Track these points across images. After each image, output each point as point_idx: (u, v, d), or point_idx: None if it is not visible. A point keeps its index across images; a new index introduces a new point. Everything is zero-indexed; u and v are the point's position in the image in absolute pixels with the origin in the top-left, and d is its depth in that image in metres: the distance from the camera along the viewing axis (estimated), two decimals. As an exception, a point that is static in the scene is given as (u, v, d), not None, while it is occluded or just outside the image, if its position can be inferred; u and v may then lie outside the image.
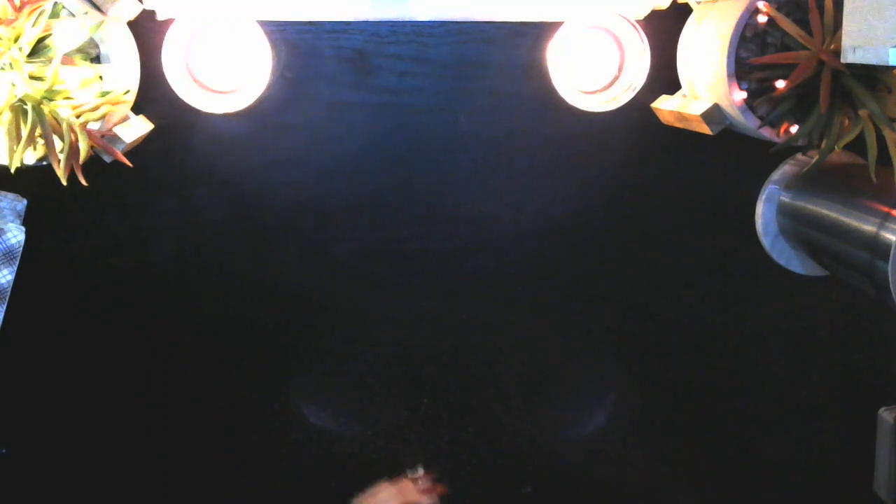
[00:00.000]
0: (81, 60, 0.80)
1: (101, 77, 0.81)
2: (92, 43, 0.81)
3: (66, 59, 0.78)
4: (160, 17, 0.87)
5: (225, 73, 0.91)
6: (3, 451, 1.00)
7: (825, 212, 0.91)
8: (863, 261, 0.84)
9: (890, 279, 0.78)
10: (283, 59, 0.96)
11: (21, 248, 0.90)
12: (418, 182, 1.01)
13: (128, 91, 0.84)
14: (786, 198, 0.99)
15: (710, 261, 1.05)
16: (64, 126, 0.77)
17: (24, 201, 0.93)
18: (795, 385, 1.09)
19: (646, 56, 0.91)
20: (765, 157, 0.92)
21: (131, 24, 0.87)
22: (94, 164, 0.82)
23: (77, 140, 0.78)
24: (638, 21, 0.91)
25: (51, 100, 0.77)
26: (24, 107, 0.76)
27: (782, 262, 1.02)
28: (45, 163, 0.79)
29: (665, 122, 0.99)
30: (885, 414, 1.05)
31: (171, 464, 1.04)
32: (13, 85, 0.75)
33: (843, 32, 0.72)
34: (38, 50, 0.77)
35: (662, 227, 1.04)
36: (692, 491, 1.09)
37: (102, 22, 0.79)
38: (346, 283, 1.03)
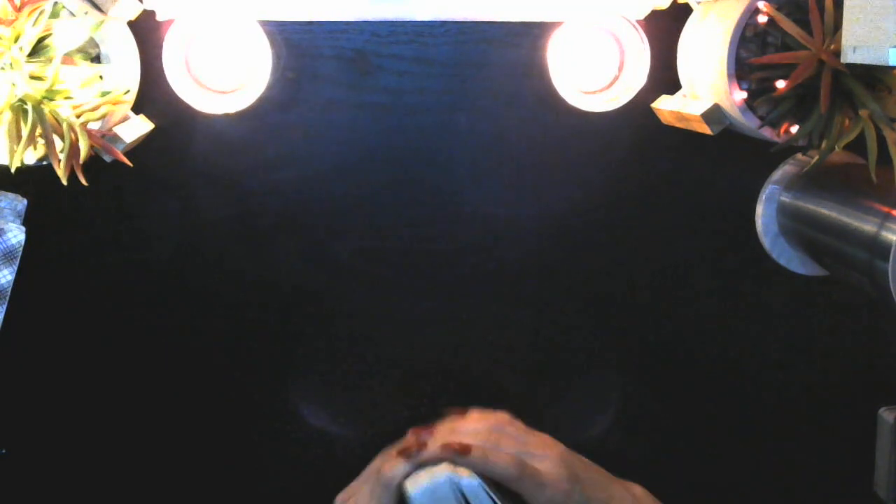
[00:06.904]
0: (81, 60, 0.80)
1: (101, 77, 0.81)
2: (92, 43, 0.81)
3: (67, 59, 0.78)
4: (160, 17, 0.87)
5: (225, 73, 0.91)
6: (3, 451, 1.00)
7: (825, 212, 0.91)
8: (863, 261, 0.84)
9: (890, 279, 0.78)
10: (283, 59, 0.96)
11: (21, 248, 0.90)
12: (418, 182, 1.01)
13: (128, 91, 0.84)
14: (786, 198, 0.99)
15: (710, 261, 1.05)
16: (64, 126, 0.77)
17: (24, 201, 0.93)
18: (795, 385, 1.09)
19: (646, 56, 0.91)
20: (765, 157, 0.92)
21: (131, 24, 0.87)
22: (94, 163, 0.82)
23: (77, 140, 0.78)
24: (638, 21, 0.91)
25: (51, 99, 0.76)
26: (25, 107, 0.76)
27: (782, 262, 1.02)
28: (45, 163, 0.79)
29: (665, 122, 0.99)
30: (885, 414, 1.05)
31: (170, 463, 1.04)
32: (13, 85, 0.75)
33: (843, 32, 0.72)
34: (38, 50, 0.77)
35: (662, 226, 1.04)
36: (691, 490, 1.09)
37: (102, 22, 0.79)
38: (346, 283, 1.03)
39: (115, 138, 0.84)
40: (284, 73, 0.97)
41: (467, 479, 0.69)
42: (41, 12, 0.75)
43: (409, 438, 0.72)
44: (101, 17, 0.82)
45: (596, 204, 1.03)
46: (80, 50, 0.80)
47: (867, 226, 0.83)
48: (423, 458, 0.71)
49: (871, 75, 0.81)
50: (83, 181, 0.79)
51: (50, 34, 0.76)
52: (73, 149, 0.78)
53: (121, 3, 0.84)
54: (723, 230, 1.04)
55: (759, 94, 0.84)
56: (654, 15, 0.93)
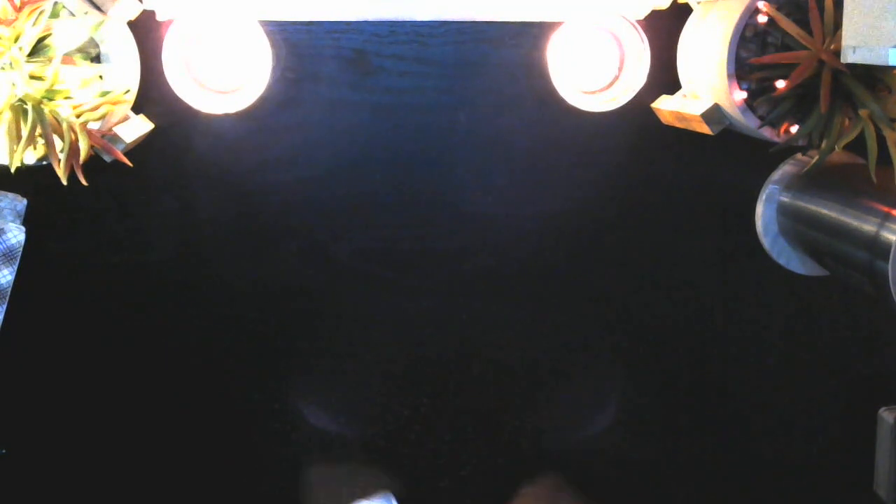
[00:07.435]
0: (81, 60, 0.80)
1: (101, 77, 0.81)
2: (92, 43, 0.81)
3: (67, 59, 0.78)
4: (160, 17, 0.87)
5: (225, 73, 0.91)
6: (3, 451, 1.00)
7: (825, 212, 0.91)
8: (863, 261, 0.84)
9: (890, 279, 0.78)
10: (283, 59, 0.96)
11: (21, 248, 0.90)
12: (418, 182, 1.01)
13: (128, 91, 0.84)
14: (786, 198, 0.99)
15: (711, 261, 1.05)
16: (64, 126, 0.77)
17: (24, 201, 0.93)
18: (795, 385, 1.09)
19: (646, 56, 0.91)
20: (765, 157, 0.92)
21: (131, 24, 0.87)
22: (94, 163, 0.82)
23: (77, 140, 0.78)
24: (638, 21, 0.91)
25: (51, 99, 0.77)
26: (25, 106, 0.76)
27: (782, 262, 1.02)
28: (45, 163, 0.79)
29: (665, 122, 0.99)
30: (885, 414, 1.05)
31: (170, 463, 1.04)
32: (13, 85, 0.75)
33: (843, 32, 0.72)
34: (38, 50, 0.77)
35: (662, 226, 1.04)
36: (692, 491, 1.09)
37: (102, 22, 0.79)
38: (346, 282, 1.03)
39: (115, 138, 0.84)
40: (284, 73, 0.97)
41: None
42: (41, 12, 0.75)
43: None
44: (101, 17, 0.82)
45: (596, 204, 1.03)
46: (80, 50, 0.80)
47: (867, 226, 0.84)
48: None
49: (871, 75, 0.81)
50: (83, 181, 0.79)
51: (50, 34, 0.76)
52: (73, 149, 0.78)
53: (121, 3, 0.84)
54: (723, 230, 1.04)
55: (759, 94, 0.84)
56: (654, 15, 0.93)
